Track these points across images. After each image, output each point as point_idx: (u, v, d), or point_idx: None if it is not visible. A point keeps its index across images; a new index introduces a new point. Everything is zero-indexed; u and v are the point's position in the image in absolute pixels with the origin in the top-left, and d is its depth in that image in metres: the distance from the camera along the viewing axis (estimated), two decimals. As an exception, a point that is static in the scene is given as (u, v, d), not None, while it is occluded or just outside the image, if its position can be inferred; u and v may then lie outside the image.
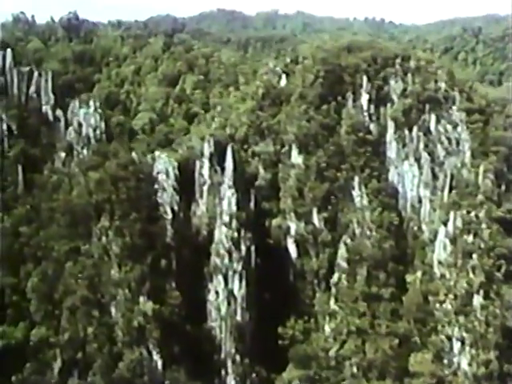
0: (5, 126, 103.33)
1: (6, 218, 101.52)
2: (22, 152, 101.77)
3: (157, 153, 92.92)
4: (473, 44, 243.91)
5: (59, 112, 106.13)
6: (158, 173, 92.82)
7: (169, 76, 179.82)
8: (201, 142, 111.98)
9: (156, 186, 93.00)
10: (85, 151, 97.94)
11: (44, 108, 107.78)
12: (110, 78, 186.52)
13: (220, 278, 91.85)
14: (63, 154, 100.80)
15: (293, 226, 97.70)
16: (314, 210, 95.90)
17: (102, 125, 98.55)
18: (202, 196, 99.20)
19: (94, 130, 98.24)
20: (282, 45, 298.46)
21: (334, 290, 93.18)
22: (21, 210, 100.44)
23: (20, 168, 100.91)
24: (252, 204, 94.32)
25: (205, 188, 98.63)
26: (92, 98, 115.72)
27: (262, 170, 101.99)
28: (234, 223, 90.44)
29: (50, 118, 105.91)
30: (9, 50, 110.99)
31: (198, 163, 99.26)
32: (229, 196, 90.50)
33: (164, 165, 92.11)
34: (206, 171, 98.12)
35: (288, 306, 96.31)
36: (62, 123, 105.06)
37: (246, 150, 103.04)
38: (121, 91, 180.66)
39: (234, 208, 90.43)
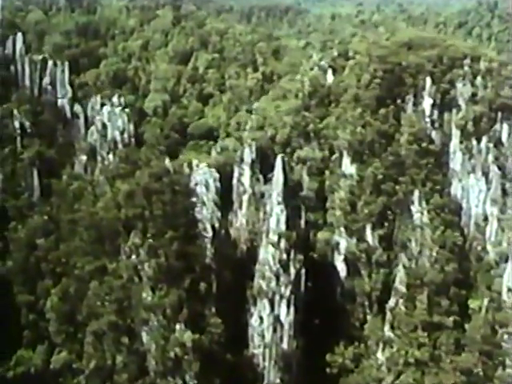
0: (17, 124, 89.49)
1: (20, 227, 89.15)
2: (37, 154, 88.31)
3: (194, 161, 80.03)
4: (488, 19, 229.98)
5: (77, 107, 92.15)
6: (196, 184, 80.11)
7: (180, 53, 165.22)
8: (235, 141, 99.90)
9: (194, 199, 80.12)
10: (110, 156, 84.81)
11: (60, 102, 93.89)
12: (116, 53, 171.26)
13: (265, 302, 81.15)
14: (84, 158, 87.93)
15: (343, 242, 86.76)
16: (368, 226, 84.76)
17: (131, 127, 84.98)
18: (241, 207, 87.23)
19: (122, 133, 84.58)
20: (287, 15, 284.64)
21: (389, 315, 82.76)
22: (37, 219, 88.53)
23: (36, 172, 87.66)
24: (303, 222, 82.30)
25: (244, 198, 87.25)
26: (116, 93, 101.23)
27: (306, 178, 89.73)
28: (283, 243, 78.74)
29: (68, 114, 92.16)
30: (19, 35, 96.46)
31: (237, 169, 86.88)
32: (277, 213, 78.81)
33: (203, 176, 79.87)
34: (246, 179, 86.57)
35: (336, 331, 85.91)
36: (82, 121, 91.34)
37: (288, 153, 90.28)
38: (128, 67, 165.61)
39: (283, 227, 78.43)
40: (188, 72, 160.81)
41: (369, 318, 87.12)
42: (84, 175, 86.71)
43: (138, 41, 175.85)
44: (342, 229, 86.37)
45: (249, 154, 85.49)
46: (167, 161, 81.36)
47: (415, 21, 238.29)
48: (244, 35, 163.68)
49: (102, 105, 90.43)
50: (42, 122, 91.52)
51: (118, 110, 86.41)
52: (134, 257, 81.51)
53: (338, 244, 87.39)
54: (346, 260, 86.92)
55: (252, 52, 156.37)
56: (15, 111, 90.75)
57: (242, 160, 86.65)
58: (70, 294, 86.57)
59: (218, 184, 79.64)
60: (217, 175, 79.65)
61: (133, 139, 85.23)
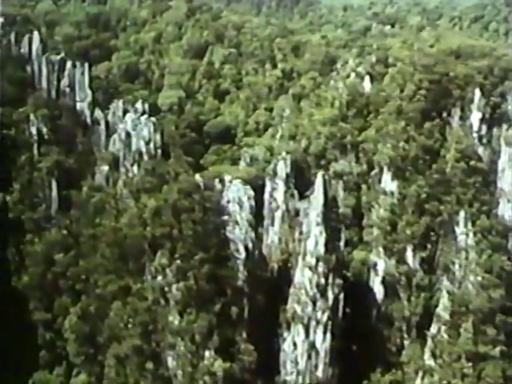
0: (34, 130, 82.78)
1: (36, 240, 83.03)
2: (56, 163, 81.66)
3: (227, 177, 73.38)
4: (505, 13, 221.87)
5: (98, 113, 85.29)
6: (228, 201, 73.68)
7: (194, 46, 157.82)
8: (265, 150, 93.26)
9: (225, 218, 73.85)
10: (135, 168, 78.25)
11: (79, 106, 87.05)
12: (128, 45, 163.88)
13: (300, 327, 75.32)
14: (106, 168, 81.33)
15: (381, 263, 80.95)
16: (409, 248, 78.74)
17: (158, 137, 78.25)
18: (272, 223, 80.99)
19: (147, 144, 77.88)
20: (298, 6, 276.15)
21: (430, 343, 77.00)
22: (55, 233, 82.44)
23: (54, 183, 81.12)
24: (342, 244, 76.14)
25: (277, 214, 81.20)
26: (138, 97, 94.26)
27: (341, 192, 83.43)
28: (321, 267, 72.56)
29: (87, 119, 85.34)
30: (36, 34, 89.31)
31: (269, 183, 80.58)
32: (316, 234, 72.86)
33: (237, 193, 73.26)
34: (280, 195, 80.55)
35: (372, 356, 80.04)
36: (103, 127, 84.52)
37: (322, 166, 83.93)
38: (140, 60, 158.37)
39: (322, 249, 72.27)
40: (203, 67, 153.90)
41: (406, 343, 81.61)
42: (106, 187, 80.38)
43: (150, 33, 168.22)
44: (381, 249, 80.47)
45: (283, 168, 79.20)
46: (197, 176, 74.84)
47: (429, 14, 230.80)
48: (262, 29, 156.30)
49: (125, 111, 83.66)
50: (60, 128, 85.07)
51: (143, 118, 79.63)
52: (160, 278, 75.66)
53: (375, 264, 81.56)
54: (383, 282, 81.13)
55: (270, 47, 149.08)
56: (32, 116, 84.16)
57: (275, 173, 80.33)
58: (91, 314, 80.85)
59: (253, 202, 73.29)
60: (251, 193, 73.52)
61: (159, 150, 78.75)
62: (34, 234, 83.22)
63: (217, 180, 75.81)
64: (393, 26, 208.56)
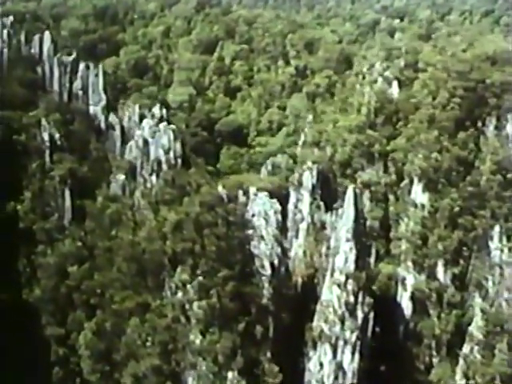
0: (46, 135, 78.15)
1: (48, 252, 78.68)
2: (69, 171, 77.12)
3: (252, 189, 69.15)
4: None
5: (112, 117, 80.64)
6: (253, 215, 69.45)
7: (204, 42, 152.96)
8: (287, 158, 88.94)
9: (250, 232, 69.65)
10: (153, 178, 73.71)
11: (92, 110, 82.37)
12: (136, 39, 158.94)
13: (326, 347, 71.10)
14: (122, 177, 76.71)
15: (410, 278, 77.08)
16: (440, 263, 74.84)
17: (178, 146, 73.65)
18: (297, 236, 76.83)
19: (166, 153, 73.32)
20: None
21: (462, 363, 73.01)
22: (68, 244, 77.83)
23: (67, 192, 76.69)
24: (372, 260, 72.13)
25: (302, 227, 77.22)
26: (157, 102, 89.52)
27: (368, 203, 79.24)
28: (351, 284, 68.46)
29: (102, 124, 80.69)
30: (47, 33, 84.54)
31: (294, 194, 76.38)
32: (346, 251, 68.49)
33: (263, 206, 68.87)
34: (305, 206, 76.57)
35: (400, 375, 76.26)
36: (118, 133, 79.94)
37: (348, 175, 79.66)
38: (149, 55, 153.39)
39: (352, 266, 68.12)
40: (213, 63, 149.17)
41: (435, 361, 77.87)
42: (122, 197, 76.00)
43: (158, 27, 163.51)
44: (410, 263, 76.57)
45: (309, 178, 75.01)
46: (220, 187, 70.43)
47: (439, 8, 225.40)
48: (273, 25, 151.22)
49: (142, 116, 79.01)
50: (72, 134, 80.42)
51: (162, 126, 74.93)
52: (180, 294, 71.61)
53: (403, 279, 77.68)
54: (412, 297, 77.26)
55: (282, 43, 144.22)
56: (43, 120, 79.50)
57: (300, 184, 76.11)
58: (106, 330, 76.74)
59: (280, 217, 68.99)
60: (278, 207, 69.27)
61: (179, 160, 74.19)
62: (46, 245, 78.91)
63: (240, 192, 71.61)
64: (402, 20, 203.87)
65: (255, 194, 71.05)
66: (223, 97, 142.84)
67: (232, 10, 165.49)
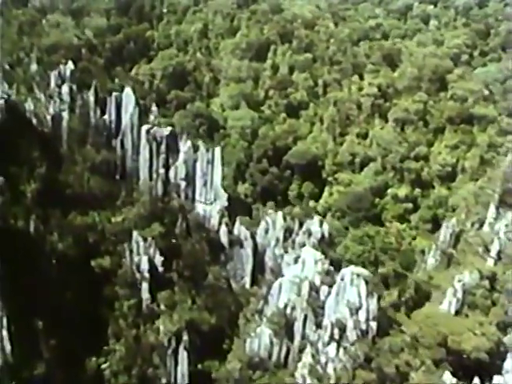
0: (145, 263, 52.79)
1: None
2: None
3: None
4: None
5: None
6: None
7: (254, 45, 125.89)
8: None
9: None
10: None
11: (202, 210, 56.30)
12: (168, 38, 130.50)
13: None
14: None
15: None
16: None
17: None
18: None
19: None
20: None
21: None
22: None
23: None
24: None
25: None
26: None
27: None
28: None
29: (223, 238, 54.97)
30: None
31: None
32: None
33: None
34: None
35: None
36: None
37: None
38: (186, 59, 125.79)
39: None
40: (266, 72, 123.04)
41: None
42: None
43: (194, 25, 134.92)
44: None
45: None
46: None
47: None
48: (339, 30, 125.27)
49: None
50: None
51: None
52: None
53: None
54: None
55: (353, 54, 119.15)
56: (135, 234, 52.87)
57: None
58: None
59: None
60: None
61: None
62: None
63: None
64: (435, 6, 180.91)
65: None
66: (284, 116, 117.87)
67: (283, 8, 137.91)
